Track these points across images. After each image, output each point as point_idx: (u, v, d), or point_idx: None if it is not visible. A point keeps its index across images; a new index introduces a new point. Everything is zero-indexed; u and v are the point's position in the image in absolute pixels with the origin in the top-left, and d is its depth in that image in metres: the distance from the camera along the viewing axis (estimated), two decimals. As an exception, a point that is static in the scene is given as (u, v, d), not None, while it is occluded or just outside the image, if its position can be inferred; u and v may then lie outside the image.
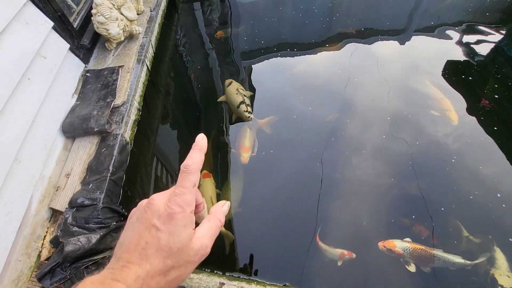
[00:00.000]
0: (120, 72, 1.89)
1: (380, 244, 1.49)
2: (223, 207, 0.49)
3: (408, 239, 1.53)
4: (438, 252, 1.46)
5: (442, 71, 2.65)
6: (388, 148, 2.12)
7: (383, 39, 3.09)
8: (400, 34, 3.18)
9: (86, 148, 1.61)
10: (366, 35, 3.10)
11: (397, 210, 1.78)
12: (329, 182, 1.90)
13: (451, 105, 2.30)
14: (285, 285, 1.26)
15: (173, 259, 0.38)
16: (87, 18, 2.02)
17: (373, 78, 2.62)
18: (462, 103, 2.38)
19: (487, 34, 3.04)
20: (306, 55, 3.00)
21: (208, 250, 0.42)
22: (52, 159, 1.51)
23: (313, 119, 2.32)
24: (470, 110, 2.32)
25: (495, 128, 2.19)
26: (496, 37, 2.99)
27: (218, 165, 2.20)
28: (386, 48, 3.00)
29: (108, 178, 1.47)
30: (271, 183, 1.95)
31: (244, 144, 2.06)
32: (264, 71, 2.94)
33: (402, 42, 3.08)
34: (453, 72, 2.63)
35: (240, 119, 2.23)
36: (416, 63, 2.86)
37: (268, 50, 3.14)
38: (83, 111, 1.67)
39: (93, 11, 1.81)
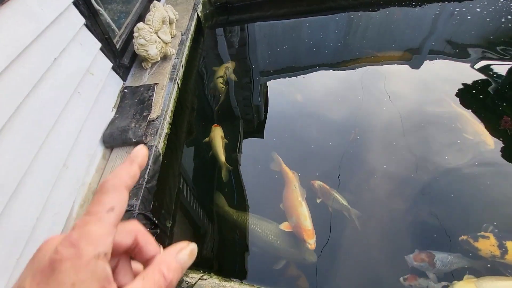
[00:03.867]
0: (155, 89, 2.03)
1: (312, 182, 1.96)
2: (179, 254, 0.29)
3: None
4: (334, 192, 1.87)
5: (456, 92, 2.68)
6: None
7: (396, 62, 3.19)
8: (414, 57, 3.28)
9: (123, 158, 1.71)
10: (380, 58, 3.22)
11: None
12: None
13: (484, 127, 2.26)
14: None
15: None
16: (128, 41, 2.22)
17: (386, 102, 2.68)
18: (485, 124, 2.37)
19: (502, 58, 3.10)
20: (320, 77, 3.13)
21: None
22: (93, 167, 1.62)
23: (327, 141, 2.38)
24: (494, 132, 2.30)
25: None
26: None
27: (233, 181, 2.24)
28: (398, 71, 3.09)
29: (143, 186, 1.55)
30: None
31: (306, 227, 1.59)
32: (279, 91, 3.07)
33: (415, 66, 3.17)
34: (470, 94, 2.67)
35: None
36: (432, 85, 2.92)
37: (284, 71, 3.30)
38: (121, 124, 1.79)
39: (135, 34, 2.00)
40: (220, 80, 2.80)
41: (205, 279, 1.24)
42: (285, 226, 1.69)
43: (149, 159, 1.68)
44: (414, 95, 2.79)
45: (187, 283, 1.22)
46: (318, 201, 1.86)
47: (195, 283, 1.22)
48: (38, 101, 1.26)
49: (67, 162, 1.39)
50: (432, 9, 3.86)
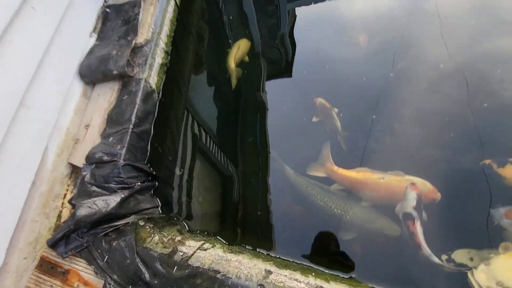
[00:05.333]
0: (142, 4, 1.54)
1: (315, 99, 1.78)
2: None
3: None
4: (333, 112, 1.71)
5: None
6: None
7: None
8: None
9: (106, 96, 1.36)
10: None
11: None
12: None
13: None
14: (350, 277, 0.93)
15: None
16: None
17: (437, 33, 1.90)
18: None
19: None
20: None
21: None
22: (70, 107, 1.29)
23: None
24: None
25: None
26: None
27: (257, 125, 1.96)
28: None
29: (130, 130, 1.22)
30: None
31: (430, 188, 1.33)
32: (308, 19, 2.43)
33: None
34: None
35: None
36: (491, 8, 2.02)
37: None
38: (101, 52, 1.39)
39: None
40: None
41: (205, 249, 0.94)
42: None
43: (136, 96, 1.30)
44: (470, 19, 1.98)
45: (182, 253, 0.94)
46: (314, 120, 1.73)
47: (192, 254, 0.93)
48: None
49: (25, 101, 1.07)
50: None
